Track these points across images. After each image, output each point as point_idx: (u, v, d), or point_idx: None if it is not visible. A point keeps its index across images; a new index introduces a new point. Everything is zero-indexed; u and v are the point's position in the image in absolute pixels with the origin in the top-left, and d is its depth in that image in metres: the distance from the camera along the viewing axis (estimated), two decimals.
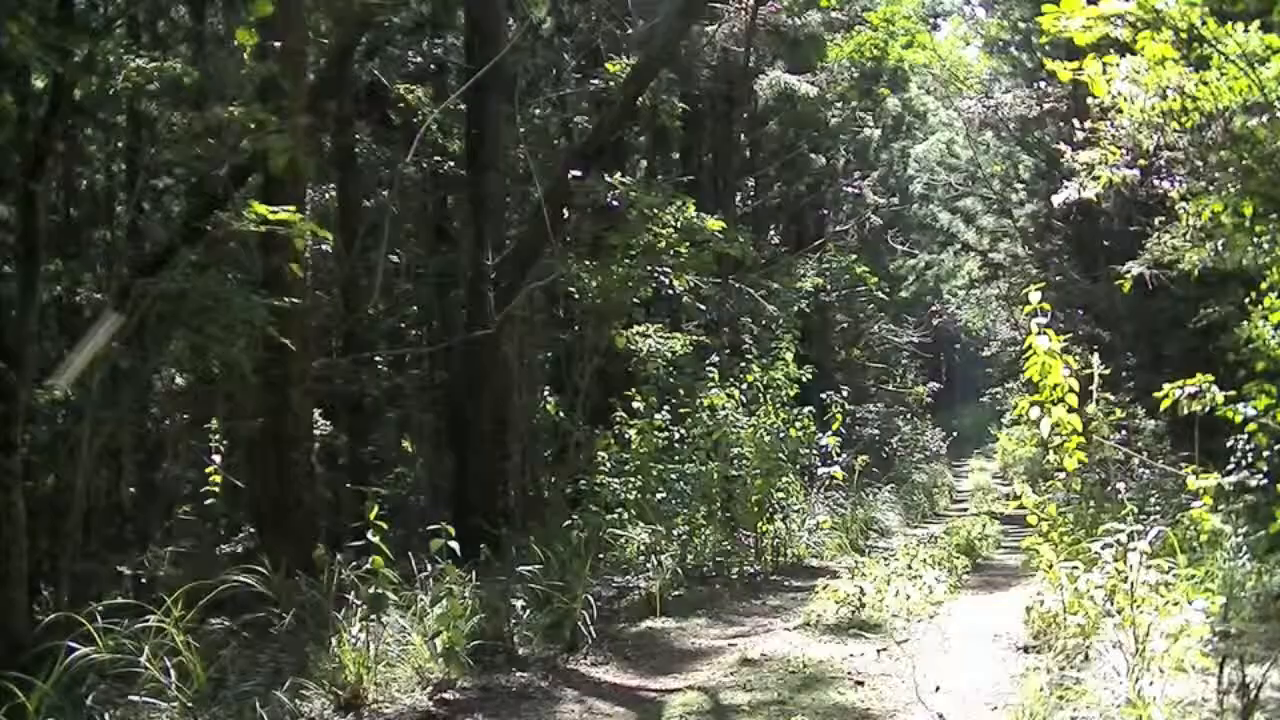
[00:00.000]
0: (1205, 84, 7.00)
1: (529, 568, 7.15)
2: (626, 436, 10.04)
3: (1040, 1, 7.04)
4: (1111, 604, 5.32)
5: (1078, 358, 7.72)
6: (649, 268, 11.07)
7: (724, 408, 10.37)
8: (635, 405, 10.08)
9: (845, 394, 13.15)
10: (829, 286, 19.02)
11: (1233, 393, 7.64)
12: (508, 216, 12.19)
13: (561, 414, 10.63)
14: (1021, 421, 19.10)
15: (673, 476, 10.01)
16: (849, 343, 22.81)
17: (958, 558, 10.68)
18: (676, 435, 10.39)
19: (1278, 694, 4.78)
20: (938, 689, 5.59)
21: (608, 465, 9.71)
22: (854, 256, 20.94)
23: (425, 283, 15.29)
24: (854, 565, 9.08)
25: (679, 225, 11.03)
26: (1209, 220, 8.32)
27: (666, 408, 10.25)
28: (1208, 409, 7.56)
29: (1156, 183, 9.22)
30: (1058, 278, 18.75)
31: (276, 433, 7.77)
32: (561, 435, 11.12)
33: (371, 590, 5.79)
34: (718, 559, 9.51)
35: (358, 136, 13.58)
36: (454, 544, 6.23)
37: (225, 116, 6.60)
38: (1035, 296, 6.33)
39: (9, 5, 5.25)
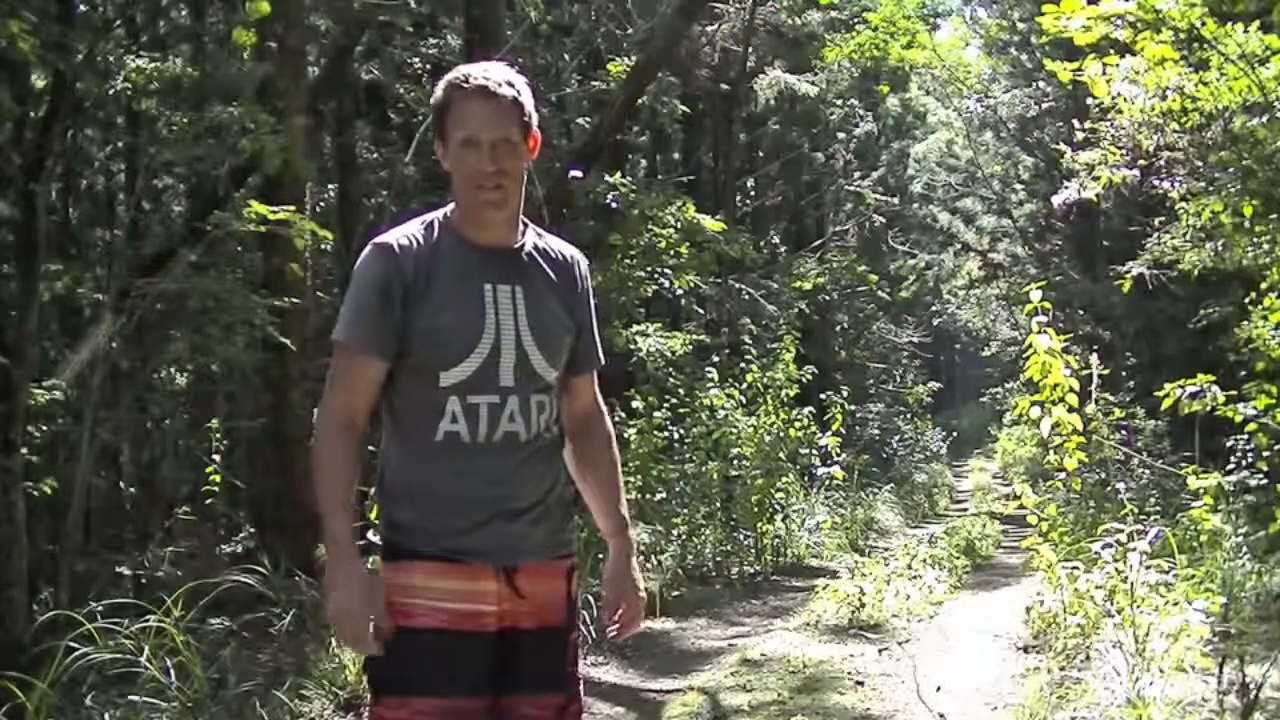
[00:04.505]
0: (1205, 84, 7.02)
1: None
2: (626, 436, 10.04)
3: (1040, 1, 7.05)
4: (1111, 604, 5.32)
5: (1078, 358, 7.71)
6: (649, 268, 11.07)
7: (724, 408, 10.37)
8: (635, 405, 10.08)
9: (845, 394, 13.16)
10: (829, 286, 19.02)
11: (1233, 393, 7.65)
12: None
13: None
14: (1021, 421, 19.14)
15: (673, 476, 10.01)
16: (849, 343, 22.80)
17: (958, 558, 10.68)
18: (676, 435, 10.38)
19: (1278, 694, 4.78)
20: (939, 689, 5.59)
21: None
22: (854, 256, 20.93)
23: None
24: (854, 565, 9.08)
25: (679, 225, 11.03)
26: (1209, 220, 8.34)
27: (666, 408, 10.25)
28: (1208, 409, 7.56)
29: (1156, 183, 9.23)
30: (1058, 278, 18.76)
31: (276, 433, 7.77)
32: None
33: None
34: (718, 559, 9.50)
35: (358, 137, 13.59)
36: None
37: (225, 117, 6.60)
38: (1036, 295, 6.33)
39: (9, 4, 5.26)
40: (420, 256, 2.27)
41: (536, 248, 2.41)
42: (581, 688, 2.43)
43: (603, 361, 2.58)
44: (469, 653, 2.25)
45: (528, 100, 2.31)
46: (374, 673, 2.28)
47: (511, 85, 2.29)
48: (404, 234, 2.31)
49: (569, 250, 2.48)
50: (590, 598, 7.03)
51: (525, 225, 2.41)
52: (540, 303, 2.34)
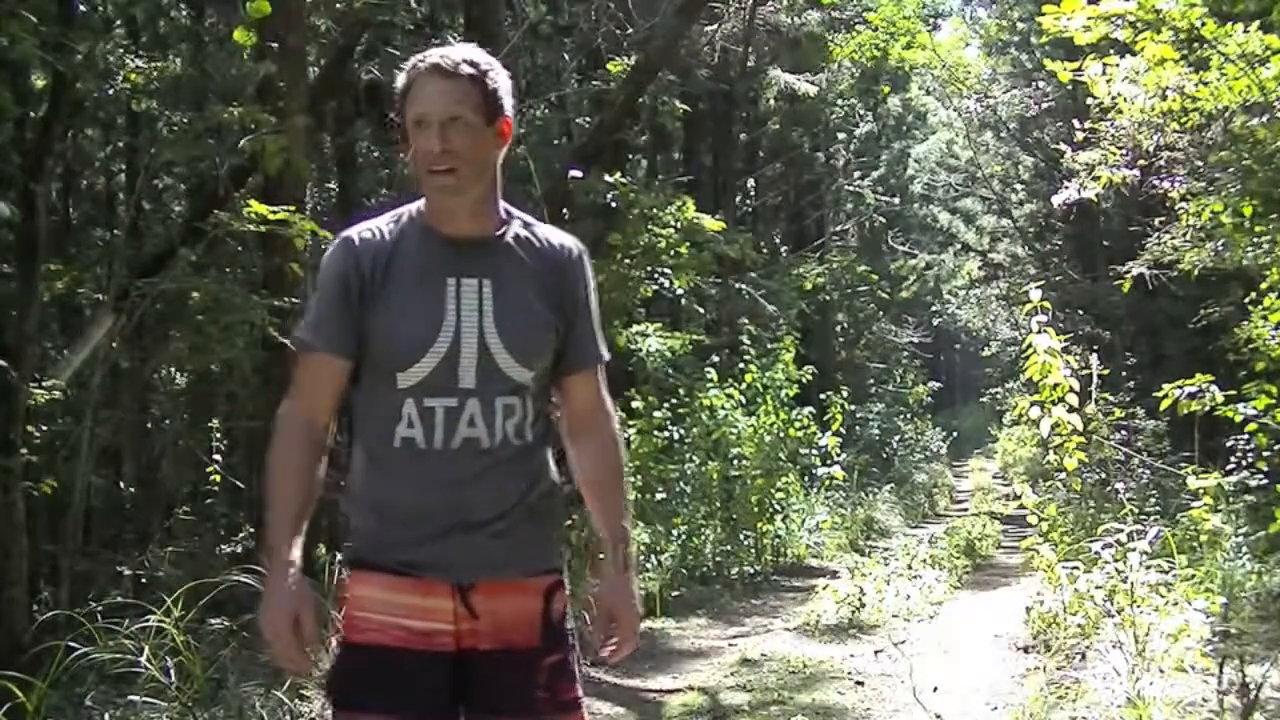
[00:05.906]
0: (1205, 84, 7.02)
1: None
2: (626, 436, 10.03)
3: (1040, 1, 7.05)
4: (1111, 604, 5.32)
5: (1078, 358, 7.72)
6: (649, 268, 11.06)
7: (724, 408, 10.37)
8: (635, 405, 10.09)
9: (845, 394, 13.17)
10: (829, 286, 19.03)
11: (1233, 393, 7.65)
12: None
13: None
14: (1021, 421, 19.11)
15: (673, 476, 10.01)
16: (849, 343, 22.80)
17: (957, 558, 10.68)
18: (676, 435, 10.38)
19: (1278, 694, 4.78)
20: (937, 689, 5.59)
21: None
22: (854, 256, 20.94)
23: None
24: (854, 565, 9.08)
25: (679, 225, 11.02)
26: (1209, 220, 8.34)
27: (666, 408, 10.25)
28: (1208, 409, 7.57)
29: (1156, 183, 9.23)
30: (1058, 278, 18.77)
31: None
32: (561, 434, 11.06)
33: None
34: (718, 559, 9.51)
35: (357, 136, 13.59)
36: None
37: (225, 117, 6.60)
38: (1035, 294, 6.34)
39: (9, 4, 5.26)
40: (380, 250, 2.15)
41: (518, 237, 2.22)
42: (584, 712, 2.24)
43: (606, 357, 2.36)
44: (423, 672, 2.12)
45: (495, 82, 2.14)
46: (329, 685, 2.20)
47: (473, 65, 2.12)
48: (368, 227, 2.19)
49: (560, 239, 2.28)
50: (590, 598, 7.06)
51: (509, 215, 2.24)
52: (513, 296, 2.17)
